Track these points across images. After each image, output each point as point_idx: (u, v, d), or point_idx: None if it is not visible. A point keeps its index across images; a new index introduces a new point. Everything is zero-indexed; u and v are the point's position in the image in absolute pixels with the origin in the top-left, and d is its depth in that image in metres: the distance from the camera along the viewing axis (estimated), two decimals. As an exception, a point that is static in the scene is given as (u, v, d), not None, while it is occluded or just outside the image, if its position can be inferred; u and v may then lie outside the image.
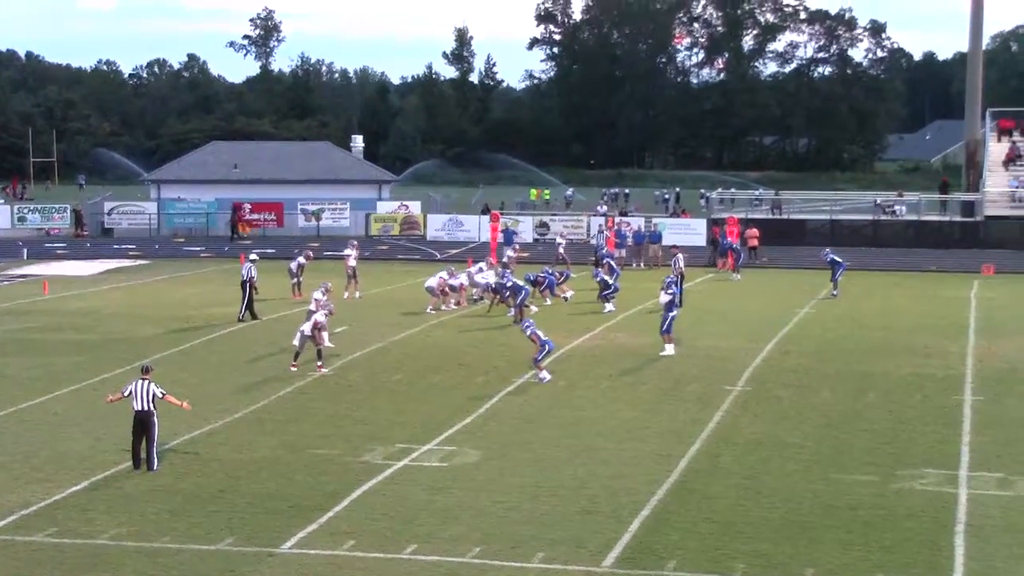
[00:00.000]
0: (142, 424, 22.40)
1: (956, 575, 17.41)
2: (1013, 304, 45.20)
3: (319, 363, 31.70)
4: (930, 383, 30.36)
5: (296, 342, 31.99)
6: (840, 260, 47.75)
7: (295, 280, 45.50)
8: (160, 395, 22.62)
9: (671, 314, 34.10)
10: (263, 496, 21.02)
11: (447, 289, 42.88)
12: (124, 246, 68.77)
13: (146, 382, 22.67)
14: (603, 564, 17.84)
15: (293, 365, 31.62)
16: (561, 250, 55.17)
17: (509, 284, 41.04)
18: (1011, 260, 57.83)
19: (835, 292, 46.74)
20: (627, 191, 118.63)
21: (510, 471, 22.46)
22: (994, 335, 37.71)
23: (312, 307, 33.87)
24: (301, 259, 45.95)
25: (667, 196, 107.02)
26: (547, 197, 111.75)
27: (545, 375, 30.25)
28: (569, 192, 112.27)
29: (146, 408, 22.36)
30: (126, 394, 22.71)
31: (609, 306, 42.22)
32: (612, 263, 46.74)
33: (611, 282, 43.00)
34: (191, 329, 39.15)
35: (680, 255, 46.42)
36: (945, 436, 25.04)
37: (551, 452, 23.82)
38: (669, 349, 33.85)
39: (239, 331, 39.08)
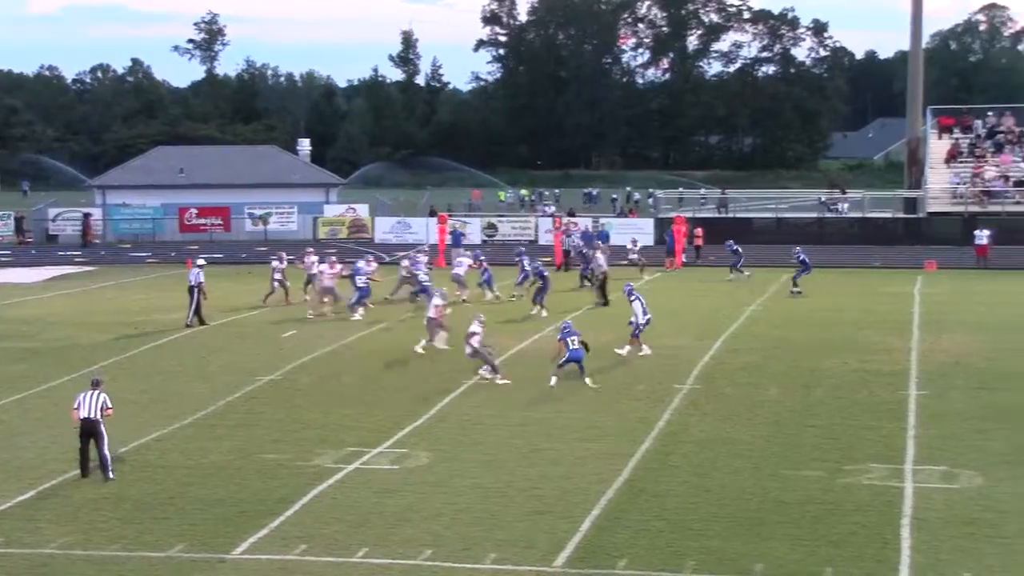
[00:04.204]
0: (89, 432, 22.26)
1: (903, 568, 17.59)
2: (956, 299, 45.67)
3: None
4: (876, 379, 30.64)
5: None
6: (808, 262, 48.04)
7: (280, 285, 45.17)
8: (108, 407, 22.47)
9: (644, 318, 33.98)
10: (213, 502, 20.96)
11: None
12: (69, 252, 68.27)
13: (97, 392, 22.56)
14: (554, 564, 17.90)
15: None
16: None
17: (426, 282, 42.21)
18: (953, 256, 58.40)
19: (796, 290, 46.99)
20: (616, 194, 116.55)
21: (461, 473, 22.49)
22: (938, 330, 38.10)
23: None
24: (276, 263, 45.55)
25: (614, 196, 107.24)
26: (502, 198, 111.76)
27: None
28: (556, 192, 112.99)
29: (93, 416, 22.22)
30: (75, 406, 22.57)
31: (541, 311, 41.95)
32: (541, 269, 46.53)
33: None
34: (138, 335, 38.92)
35: (600, 255, 46.60)
36: (891, 431, 25.28)
37: (501, 453, 23.88)
38: (646, 349, 34.00)
39: (187, 337, 38.89)
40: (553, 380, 29.67)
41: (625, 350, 33.80)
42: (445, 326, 34.59)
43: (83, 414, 22.27)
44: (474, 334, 30.57)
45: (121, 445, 23.95)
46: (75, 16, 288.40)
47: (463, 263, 46.70)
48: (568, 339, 29.95)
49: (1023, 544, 18.48)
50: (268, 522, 19.77)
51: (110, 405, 22.56)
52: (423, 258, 46.10)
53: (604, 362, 32.63)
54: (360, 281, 41.99)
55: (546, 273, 42.97)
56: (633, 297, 34.20)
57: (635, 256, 54.28)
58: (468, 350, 30.84)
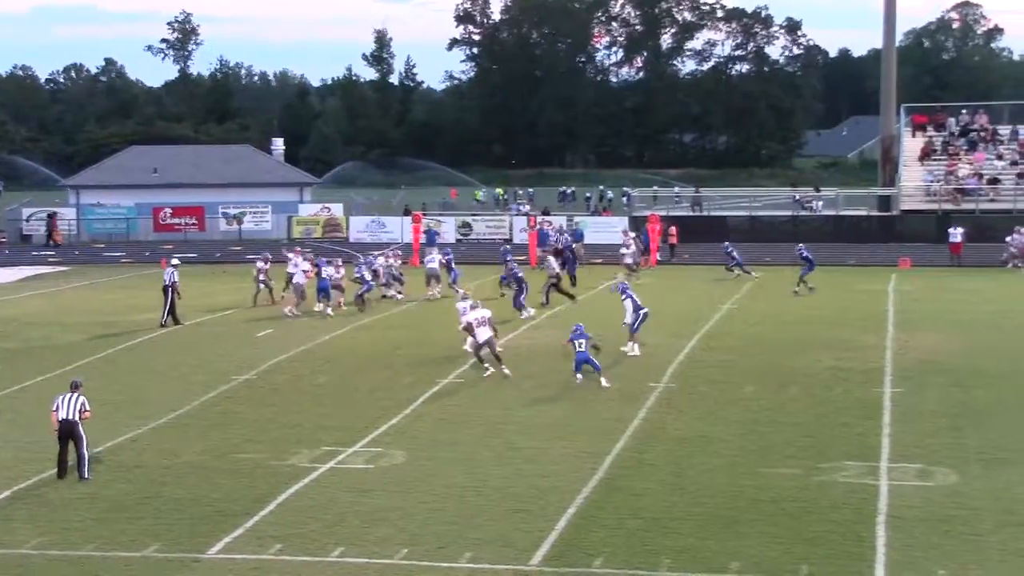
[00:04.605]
0: (67, 434, 22.19)
1: (878, 565, 17.63)
2: (930, 297, 45.86)
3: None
4: (850, 376, 30.72)
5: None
6: (812, 258, 47.61)
7: (264, 285, 45.12)
8: (86, 409, 22.39)
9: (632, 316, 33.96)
10: (188, 502, 20.90)
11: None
12: (43, 252, 67.98)
13: (75, 395, 22.50)
14: (530, 563, 17.90)
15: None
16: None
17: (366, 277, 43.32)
18: (927, 253, 58.63)
19: (803, 287, 46.70)
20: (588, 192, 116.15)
21: (436, 472, 22.48)
22: (912, 327, 38.24)
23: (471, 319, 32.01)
24: (261, 263, 45.52)
25: (588, 195, 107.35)
26: (478, 197, 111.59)
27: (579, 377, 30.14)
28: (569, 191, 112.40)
29: (71, 417, 22.15)
30: (54, 408, 22.47)
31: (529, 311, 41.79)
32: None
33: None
34: (113, 335, 38.79)
35: (551, 257, 46.73)
36: (866, 428, 25.35)
37: (477, 452, 23.87)
38: (635, 350, 34.04)
39: (161, 336, 38.79)
40: (578, 378, 29.92)
41: (632, 347, 33.77)
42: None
43: (61, 415, 22.22)
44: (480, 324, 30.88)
45: (96, 445, 23.84)
46: (47, 16, 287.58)
47: (435, 258, 46.98)
48: (576, 341, 30.04)
49: (997, 541, 18.56)
50: (243, 522, 19.72)
51: (88, 407, 22.50)
52: (382, 260, 46.26)
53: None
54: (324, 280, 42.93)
55: (521, 274, 42.83)
56: (625, 296, 34.23)
57: (630, 260, 52.83)
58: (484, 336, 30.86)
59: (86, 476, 22.13)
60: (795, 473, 22.05)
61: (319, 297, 42.99)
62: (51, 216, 75.86)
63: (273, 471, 22.69)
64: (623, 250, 53.36)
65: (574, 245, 57.38)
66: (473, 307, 32.23)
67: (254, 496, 21.09)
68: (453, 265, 47.51)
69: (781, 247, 60.68)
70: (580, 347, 29.85)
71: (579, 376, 29.88)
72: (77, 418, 22.21)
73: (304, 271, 43.45)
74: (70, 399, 22.39)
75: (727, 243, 53.79)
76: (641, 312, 33.89)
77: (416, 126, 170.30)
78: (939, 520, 19.44)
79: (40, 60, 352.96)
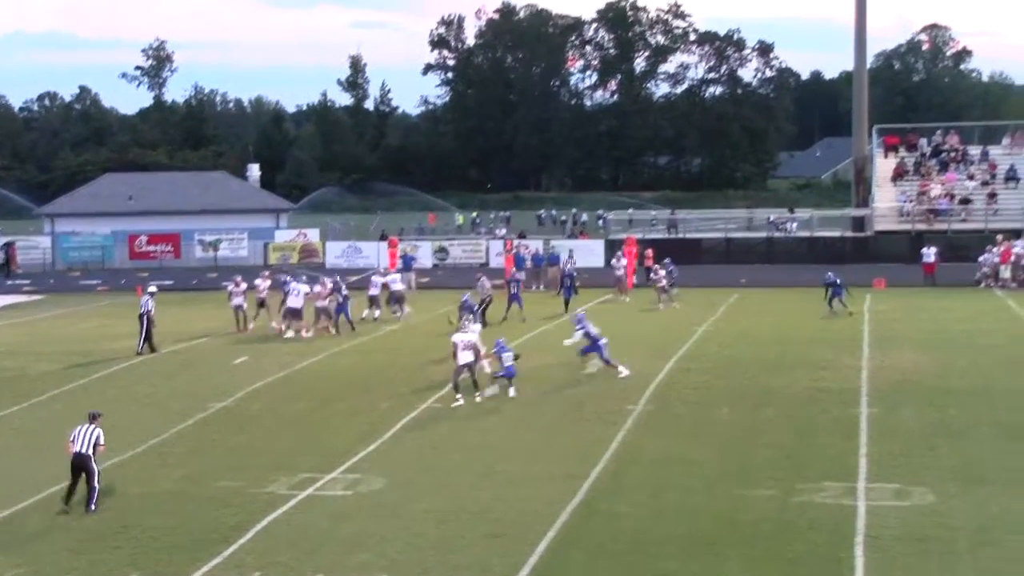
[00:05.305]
0: (80, 467, 21.95)
1: (857, 585, 17.71)
2: (904, 316, 46.02)
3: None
4: (827, 396, 30.80)
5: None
6: (840, 282, 47.04)
7: (240, 311, 44.97)
8: (100, 443, 22.24)
9: (600, 344, 33.90)
10: (167, 530, 20.82)
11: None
12: (18, 281, 67.74)
13: (92, 427, 22.34)
14: (511, 587, 17.91)
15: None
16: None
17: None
18: (901, 273, 58.83)
19: (842, 308, 46.03)
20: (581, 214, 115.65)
21: (415, 497, 22.46)
22: (887, 347, 38.37)
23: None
24: (232, 286, 45.41)
25: (564, 218, 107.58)
26: (461, 221, 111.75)
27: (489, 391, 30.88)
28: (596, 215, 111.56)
29: (84, 451, 21.94)
30: (70, 439, 22.31)
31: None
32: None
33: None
34: (89, 364, 38.65)
35: (484, 278, 46.86)
36: (843, 449, 25.41)
37: (456, 477, 23.86)
38: (591, 367, 34.19)
39: (137, 364, 38.68)
40: (488, 391, 30.80)
41: (619, 370, 33.73)
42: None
43: (75, 449, 22.02)
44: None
45: (73, 475, 23.74)
46: (20, 43, 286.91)
47: (396, 279, 47.31)
48: (502, 355, 30.98)
49: (974, 560, 18.63)
50: (222, 549, 19.65)
51: (103, 441, 22.34)
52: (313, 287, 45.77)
53: (557, 384, 32.77)
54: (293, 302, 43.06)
55: (471, 302, 42.01)
56: (580, 327, 34.18)
57: (663, 282, 50.87)
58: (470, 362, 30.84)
59: (92, 508, 21.85)
60: (773, 494, 22.09)
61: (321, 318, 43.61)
62: (9, 245, 75.59)
63: (251, 498, 22.63)
64: (660, 283, 52.85)
65: (550, 269, 57.67)
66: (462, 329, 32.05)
67: (232, 524, 21.03)
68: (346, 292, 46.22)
69: (756, 268, 60.99)
70: (508, 360, 30.96)
71: (490, 390, 31.06)
72: (91, 452, 22.01)
73: (324, 295, 43.81)
74: (86, 431, 22.20)
75: (668, 259, 53.65)
76: (601, 343, 33.87)
77: (392, 151, 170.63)
78: (916, 539, 19.50)
79: (13, 88, 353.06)
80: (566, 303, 48.26)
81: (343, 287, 44.96)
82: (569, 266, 52.33)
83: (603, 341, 33.99)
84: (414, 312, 47.00)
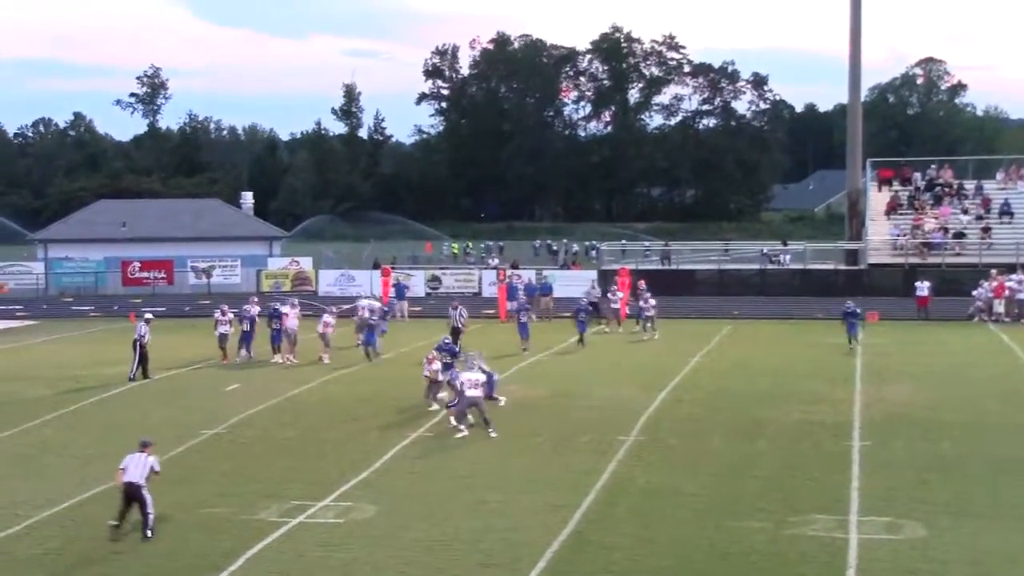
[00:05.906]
0: (131, 497, 21.82)
1: (848, 618, 17.69)
2: (897, 350, 46.07)
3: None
4: (819, 429, 30.81)
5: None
6: (858, 312, 47.20)
7: (225, 338, 44.85)
8: (156, 470, 22.23)
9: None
10: (157, 556, 20.75)
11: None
12: (11, 307, 67.67)
13: (144, 455, 22.27)
14: (501, 617, 17.86)
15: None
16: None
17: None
18: (894, 307, 58.88)
19: (854, 344, 46.00)
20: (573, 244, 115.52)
21: (406, 525, 22.41)
22: (880, 380, 38.40)
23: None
24: (219, 314, 45.43)
25: (555, 248, 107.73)
26: (456, 251, 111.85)
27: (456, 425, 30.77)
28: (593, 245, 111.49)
29: (137, 481, 21.82)
30: (122, 467, 22.20)
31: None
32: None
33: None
34: (81, 390, 38.58)
35: (461, 307, 47.20)
36: (835, 481, 25.40)
37: (447, 505, 23.82)
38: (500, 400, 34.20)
39: (130, 391, 38.62)
40: (452, 421, 30.92)
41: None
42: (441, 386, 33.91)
43: (127, 478, 21.89)
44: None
45: (66, 499, 23.73)
46: (15, 70, 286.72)
47: (374, 307, 47.61)
48: (457, 382, 31.19)
49: (966, 593, 18.64)
50: (212, 577, 19.62)
51: (158, 468, 22.36)
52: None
53: (548, 414, 32.76)
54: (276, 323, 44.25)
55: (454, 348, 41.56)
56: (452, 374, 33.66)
57: (652, 312, 51.07)
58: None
59: (148, 536, 21.70)
60: (765, 527, 22.07)
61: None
62: None
63: (242, 526, 22.57)
64: (614, 306, 53.60)
65: (542, 299, 57.83)
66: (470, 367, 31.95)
67: (223, 551, 20.97)
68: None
69: (749, 300, 61.06)
70: (467, 390, 30.57)
71: (454, 420, 30.99)
72: (143, 482, 21.92)
73: (331, 323, 44.56)
74: (138, 459, 22.14)
75: (643, 285, 53.89)
76: (493, 378, 33.79)
77: (385, 180, 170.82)
78: (908, 573, 19.49)
79: (8, 114, 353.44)
80: (581, 336, 48.20)
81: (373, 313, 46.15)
82: (586, 300, 52.94)
83: (496, 377, 34.22)
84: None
